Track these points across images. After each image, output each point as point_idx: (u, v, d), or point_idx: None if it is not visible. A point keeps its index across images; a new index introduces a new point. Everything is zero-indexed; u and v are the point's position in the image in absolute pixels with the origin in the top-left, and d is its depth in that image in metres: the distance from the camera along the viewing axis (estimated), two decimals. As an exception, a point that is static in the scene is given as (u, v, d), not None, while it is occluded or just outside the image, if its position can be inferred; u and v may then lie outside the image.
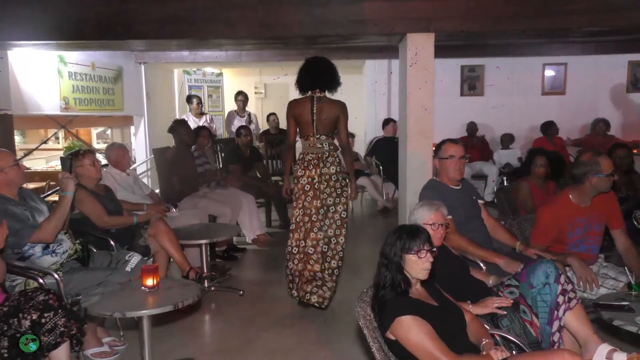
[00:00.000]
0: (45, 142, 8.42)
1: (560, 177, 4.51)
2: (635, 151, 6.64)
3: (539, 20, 3.88)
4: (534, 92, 7.60)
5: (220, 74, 9.36)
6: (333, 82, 3.59)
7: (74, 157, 3.53)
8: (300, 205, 3.58)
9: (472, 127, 7.48)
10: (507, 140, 7.37)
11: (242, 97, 7.69)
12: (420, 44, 3.95)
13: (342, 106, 3.58)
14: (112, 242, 3.41)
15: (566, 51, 7.13)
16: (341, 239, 3.60)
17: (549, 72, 7.58)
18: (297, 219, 3.59)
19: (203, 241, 3.77)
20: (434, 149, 3.19)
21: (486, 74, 7.60)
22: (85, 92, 6.33)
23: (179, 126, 5.06)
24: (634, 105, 7.52)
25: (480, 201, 3.14)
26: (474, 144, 7.40)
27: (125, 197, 4.10)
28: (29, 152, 7.96)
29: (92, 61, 6.48)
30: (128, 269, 3.04)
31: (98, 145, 10.29)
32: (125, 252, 3.20)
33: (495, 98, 7.57)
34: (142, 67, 7.81)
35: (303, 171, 3.57)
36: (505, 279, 2.50)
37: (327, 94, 3.63)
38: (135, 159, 7.61)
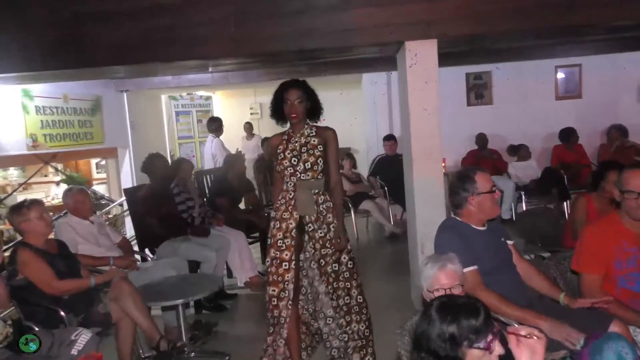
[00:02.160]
0: (32, 177, 7.91)
1: None
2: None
3: (555, 17, 3.29)
4: (547, 98, 6.97)
5: (209, 98, 8.84)
6: (316, 108, 2.90)
7: (15, 211, 2.97)
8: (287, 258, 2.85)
9: (482, 139, 6.86)
10: (522, 151, 6.74)
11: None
12: (421, 53, 3.37)
13: (331, 135, 2.88)
14: (62, 314, 2.81)
15: (580, 51, 6.50)
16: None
17: (562, 75, 6.96)
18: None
19: (177, 301, 3.16)
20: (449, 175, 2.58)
21: (494, 80, 7.00)
22: (56, 127, 5.78)
23: (154, 161, 4.48)
24: (656, 106, 6.89)
25: (509, 242, 2.51)
26: (486, 157, 6.78)
27: (89, 251, 3.52)
28: (16, 188, 7.49)
29: (64, 93, 5.95)
30: (74, 352, 2.44)
31: (99, 174, 9.84)
32: (71, 330, 2.59)
33: (506, 106, 6.96)
34: (125, 95, 7.30)
35: (288, 214, 2.86)
36: (557, 356, 1.88)
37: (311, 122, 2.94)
38: (121, 195, 7.04)
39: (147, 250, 4.40)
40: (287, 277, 2.79)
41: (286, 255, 2.81)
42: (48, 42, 3.57)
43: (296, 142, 2.84)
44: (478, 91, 6.97)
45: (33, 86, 5.40)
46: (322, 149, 2.83)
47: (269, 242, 2.90)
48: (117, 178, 8.34)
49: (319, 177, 2.84)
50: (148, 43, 3.51)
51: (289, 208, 2.83)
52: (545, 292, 2.42)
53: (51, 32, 3.55)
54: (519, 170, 6.68)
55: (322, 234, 2.85)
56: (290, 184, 2.84)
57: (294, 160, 2.81)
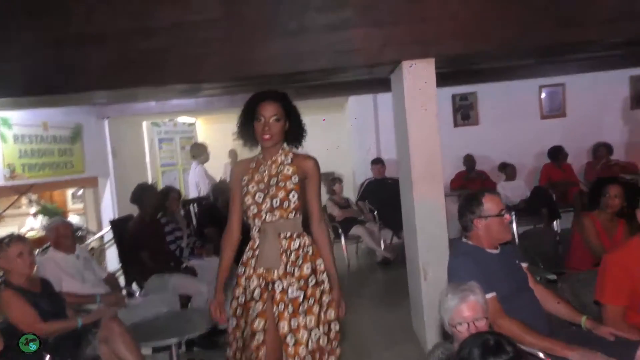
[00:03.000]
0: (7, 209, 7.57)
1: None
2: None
3: (554, 35, 3.26)
4: (532, 117, 7.00)
5: (193, 124, 8.68)
6: (299, 130, 2.29)
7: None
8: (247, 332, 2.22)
9: (469, 160, 6.84)
10: (509, 170, 6.73)
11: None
12: (419, 73, 3.30)
13: (312, 167, 2.26)
14: (47, 358, 2.59)
15: (563, 71, 6.60)
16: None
17: (546, 95, 7.02)
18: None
19: (171, 340, 2.95)
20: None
21: (479, 101, 7.02)
22: (35, 157, 5.55)
23: (144, 192, 4.29)
24: (637, 124, 6.97)
25: (523, 264, 2.41)
26: (474, 178, 6.75)
27: (74, 288, 3.31)
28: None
29: (43, 121, 5.74)
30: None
31: (74, 205, 9.51)
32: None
33: (492, 126, 6.96)
34: (106, 122, 7.10)
35: (251, 270, 2.24)
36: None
37: (288, 148, 2.30)
38: (102, 228, 6.78)
39: (133, 285, 4.18)
40: (261, 354, 2.15)
41: (258, 324, 2.17)
42: (30, 67, 3.41)
43: (264, 171, 2.23)
44: (464, 112, 6.98)
45: (11, 113, 5.19)
46: (297, 180, 2.20)
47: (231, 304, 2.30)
48: (95, 208, 8.08)
49: (290, 216, 2.20)
50: (137, 66, 3.37)
51: (252, 261, 2.22)
52: (565, 317, 2.32)
53: (34, 56, 3.39)
54: (508, 190, 6.64)
55: (294, 295, 2.16)
56: (255, 229, 2.23)
57: (258, 197, 2.19)
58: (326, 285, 2.24)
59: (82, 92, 3.63)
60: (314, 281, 2.22)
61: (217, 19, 3.37)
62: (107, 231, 6.36)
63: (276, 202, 2.20)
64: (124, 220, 4.44)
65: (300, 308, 2.17)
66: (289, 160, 2.26)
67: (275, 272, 2.19)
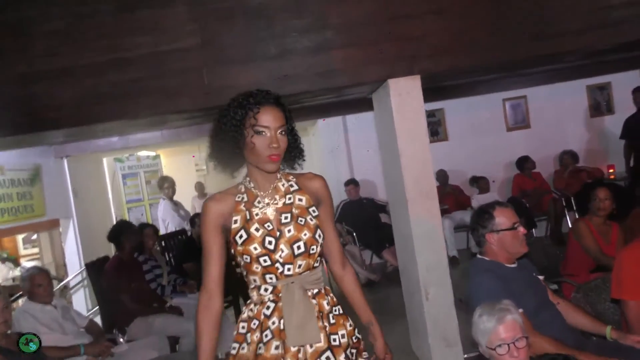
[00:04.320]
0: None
1: (626, 215, 3.64)
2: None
3: (534, 46, 3.32)
4: (499, 130, 7.16)
5: (157, 157, 8.42)
6: (298, 145, 1.71)
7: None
8: None
9: (443, 175, 6.88)
10: (482, 183, 6.81)
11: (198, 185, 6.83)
12: (404, 90, 3.27)
13: (322, 186, 1.73)
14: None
15: (523, 84, 6.79)
16: None
17: (510, 107, 7.20)
18: None
19: (169, 388, 2.74)
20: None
21: (447, 117, 7.12)
22: (-7, 203, 5.20)
23: (124, 229, 4.05)
24: (597, 131, 7.24)
25: (540, 277, 2.36)
26: (449, 192, 6.80)
27: (54, 341, 3.03)
28: None
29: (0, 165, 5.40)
30: None
31: (26, 250, 8.96)
32: None
33: (461, 141, 7.06)
34: (65, 161, 6.76)
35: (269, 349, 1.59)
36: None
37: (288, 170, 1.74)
38: (66, 271, 6.39)
39: (114, 331, 3.90)
40: None
41: None
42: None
43: (266, 207, 1.63)
44: (433, 128, 7.04)
45: (-36, 159, 4.86)
46: (317, 213, 1.66)
47: None
48: (52, 252, 7.63)
49: (315, 265, 1.65)
50: (110, 99, 3.20)
51: (270, 337, 1.59)
52: (589, 329, 2.28)
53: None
54: (482, 202, 6.69)
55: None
56: (268, 289, 1.62)
57: (269, 242, 1.59)
58: (361, 346, 1.76)
59: (50, 130, 3.41)
60: (355, 350, 1.70)
61: (193, 47, 3.26)
62: (75, 275, 6.01)
63: (300, 247, 1.59)
64: (100, 262, 4.16)
65: None
66: (294, 186, 1.67)
67: (314, 346, 1.58)
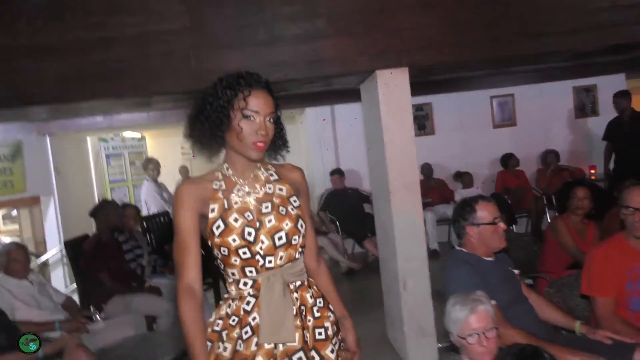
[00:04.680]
0: None
1: (603, 215, 3.68)
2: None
3: (522, 44, 3.34)
4: (485, 126, 7.22)
5: (143, 138, 8.35)
6: (283, 134, 1.64)
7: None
8: None
9: (427, 169, 6.94)
10: (466, 178, 6.87)
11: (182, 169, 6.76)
12: (392, 82, 3.28)
13: (301, 178, 1.70)
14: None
15: (512, 82, 6.85)
16: None
17: (497, 105, 7.26)
18: None
19: (143, 367, 2.75)
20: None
21: (435, 111, 7.16)
22: (-27, 177, 5.13)
23: (107, 208, 4.03)
24: (581, 132, 7.34)
25: (516, 271, 2.41)
26: (433, 186, 6.85)
27: (29, 316, 3.03)
28: None
29: (-20, 138, 5.34)
30: None
31: (5, 226, 8.88)
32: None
33: (447, 136, 7.12)
34: (47, 138, 6.68)
35: (246, 347, 1.50)
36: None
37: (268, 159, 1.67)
38: (45, 248, 6.34)
39: (92, 308, 3.89)
40: None
41: None
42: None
43: (245, 195, 1.55)
44: (420, 122, 7.08)
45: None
46: (298, 203, 1.61)
47: None
48: (32, 229, 7.57)
49: (297, 256, 1.58)
50: (96, 78, 3.16)
51: (250, 334, 1.50)
52: (559, 323, 2.33)
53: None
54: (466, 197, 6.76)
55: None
56: (247, 283, 1.53)
57: (249, 233, 1.50)
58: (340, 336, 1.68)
59: (34, 105, 3.37)
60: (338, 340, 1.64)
61: (181, 29, 3.23)
62: (55, 253, 5.97)
63: (281, 238, 1.52)
64: (79, 240, 4.14)
65: None
66: (274, 175, 1.62)
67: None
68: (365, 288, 5.38)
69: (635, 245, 2.33)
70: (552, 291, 2.59)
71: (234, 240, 1.49)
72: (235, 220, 1.50)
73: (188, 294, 1.48)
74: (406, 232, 3.29)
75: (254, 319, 1.50)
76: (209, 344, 1.52)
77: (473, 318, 1.81)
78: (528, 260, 3.71)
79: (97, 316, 3.61)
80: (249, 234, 1.50)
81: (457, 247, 2.36)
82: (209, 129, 1.50)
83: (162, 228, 5.20)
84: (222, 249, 1.51)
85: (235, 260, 1.51)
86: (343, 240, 6.32)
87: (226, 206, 1.52)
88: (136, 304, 3.74)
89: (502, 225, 2.28)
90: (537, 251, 3.67)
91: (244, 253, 1.50)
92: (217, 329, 1.55)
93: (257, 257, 1.50)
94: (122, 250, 4.05)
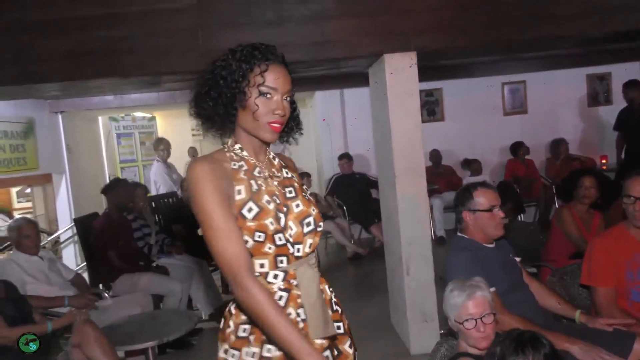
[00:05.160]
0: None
1: (609, 205, 3.68)
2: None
3: (531, 29, 3.30)
4: (496, 113, 7.15)
5: (153, 118, 8.39)
6: (296, 116, 1.50)
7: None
8: None
9: (436, 155, 6.90)
10: (475, 165, 6.83)
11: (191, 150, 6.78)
12: (400, 66, 3.27)
13: (295, 168, 1.60)
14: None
15: (523, 68, 6.76)
16: None
17: (509, 91, 7.18)
18: None
19: (150, 343, 2.80)
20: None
21: (445, 97, 7.10)
22: (-15, 153, 5.21)
23: (119, 186, 4.08)
24: (593, 120, 7.25)
25: (517, 259, 2.41)
26: (441, 173, 6.83)
27: (39, 291, 3.10)
28: None
29: (-7, 115, 5.39)
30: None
31: (20, 204, 9.03)
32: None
33: (457, 122, 7.06)
34: (59, 117, 6.74)
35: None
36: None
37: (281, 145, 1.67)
38: (57, 226, 6.44)
39: (100, 286, 3.97)
40: None
41: None
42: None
43: (269, 176, 1.42)
44: (430, 108, 7.04)
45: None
46: (308, 190, 1.52)
47: None
48: (45, 207, 7.68)
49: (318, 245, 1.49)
50: (102, 56, 3.17)
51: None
52: (559, 312, 2.33)
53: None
54: (474, 184, 6.74)
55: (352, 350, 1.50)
56: (278, 275, 1.37)
57: (279, 218, 1.35)
58: None
59: (38, 83, 3.39)
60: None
61: (188, 6, 3.23)
62: (65, 230, 6.06)
63: (309, 225, 1.39)
64: (89, 218, 4.20)
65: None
66: (282, 163, 1.51)
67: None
68: (370, 273, 5.41)
69: (636, 235, 2.32)
70: (555, 280, 2.59)
71: (272, 223, 1.32)
72: (268, 202, 1.34)
73: (254, 280, 1.27)
74: (410, 217, 3.30)
75: (289, 314, 1.34)
76: (234, 352, 1.36)
77: (471, 303, 1.83)
78: (532, 248, 3.71)
79: (106, 294, 3.69)
80: (279, 219, 1.34)
81: (459, 233, 2.36)
82: (222, 106, 1.34)
83: (170, 208, 5.25)
84: (256, 234, 1.32)
85: (270, 248, 1.33)
86: (350, 225, 6.34)
87: (255, 187, 1.35)
88: (144, 283, 3.80)
89: (499, 213, 2.27)
90: (542, 240, 3.66)
91: (280, 239, 1.33)
92: (243, 335, 1.36)
93: (288, 244, 1.35)
94: (132, 229, 4.11)
